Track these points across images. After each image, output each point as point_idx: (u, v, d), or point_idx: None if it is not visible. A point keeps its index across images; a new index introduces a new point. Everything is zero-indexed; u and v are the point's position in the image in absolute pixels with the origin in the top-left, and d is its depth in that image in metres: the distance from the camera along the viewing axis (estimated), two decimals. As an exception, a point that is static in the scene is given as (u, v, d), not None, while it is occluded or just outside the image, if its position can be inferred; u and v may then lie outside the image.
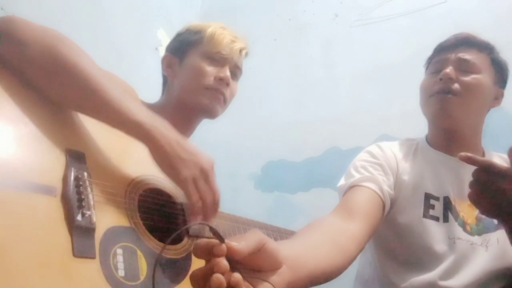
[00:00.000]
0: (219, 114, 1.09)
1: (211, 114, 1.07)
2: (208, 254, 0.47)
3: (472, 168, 1.02)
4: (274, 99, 2.16)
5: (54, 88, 0.67)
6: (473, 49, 1.04)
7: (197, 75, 1.04)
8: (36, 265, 0.53)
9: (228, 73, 1.05)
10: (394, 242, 1.01)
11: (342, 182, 1.02)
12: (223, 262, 0.46)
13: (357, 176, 0.99)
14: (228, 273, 0.46)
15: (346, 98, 2.01)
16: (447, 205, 1.00)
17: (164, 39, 2.07)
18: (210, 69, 1.04)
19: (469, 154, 0.79)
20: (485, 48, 1.06)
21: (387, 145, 1.09)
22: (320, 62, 2.14)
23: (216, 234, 0.51)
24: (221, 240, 0.48)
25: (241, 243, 0.48)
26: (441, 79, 1.01)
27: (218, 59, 1.06)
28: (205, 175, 0.74)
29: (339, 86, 2.05)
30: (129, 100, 0.69)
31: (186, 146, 0.73)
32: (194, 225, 0.69)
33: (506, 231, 0.86)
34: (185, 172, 0.71)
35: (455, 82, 1.00)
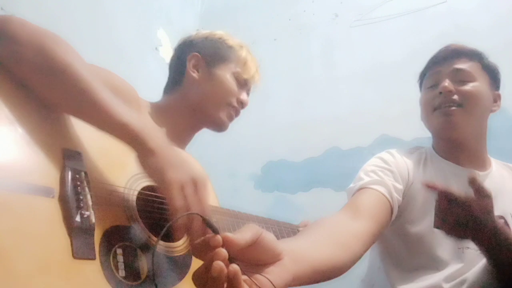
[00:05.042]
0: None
1: (221, 129, 1.12)
2: (206, 248, 0.47)
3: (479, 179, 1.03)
4: (274, 99, 2.15)
5: (45, 88, 0.66)
6: (463, 58, 1.07)
7: (226, 91, 1.10)
8: (36, 268, 0.52)
9: (247, 97, 1.15)
10: (401, 250, 1.01)
11: (351, 185, 1.03)
12: (222, 250, 0.46)
13: (366, 179, 0.99)
14: (226, 264, 0.46)
15: (346, 98, 2.00)
16: None
17: (164, 39, 2.06)
18: (236, 90, 1.11)
19: (429, 182, 0.84)
20: (474, 55, 1.08)
21: (398, 153, 1.10)
22: (320, 62, 2.14)
23: (210, 225, 0.51)
24: (216, 231, 0.49)
25: (237, 235, 0.48)
26: (440, 93, 1.03)
27: (242, 83, 1.13)
28: (196, 185, 0.67)
29: (339, 86, 2.04)
30: (117, 102, 0.67)
31: (179, 154, 0.69)
32: (182, 216, 0.62)
33: (478, 249, 0.87)
34: (172, 174, 0.65)
35: (455, 93, 1.02)
